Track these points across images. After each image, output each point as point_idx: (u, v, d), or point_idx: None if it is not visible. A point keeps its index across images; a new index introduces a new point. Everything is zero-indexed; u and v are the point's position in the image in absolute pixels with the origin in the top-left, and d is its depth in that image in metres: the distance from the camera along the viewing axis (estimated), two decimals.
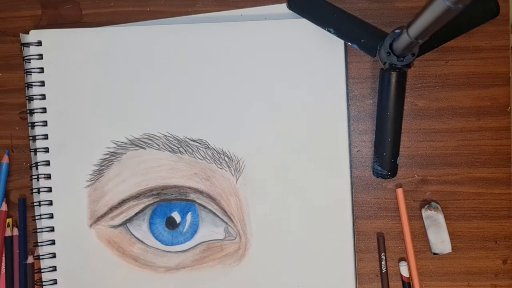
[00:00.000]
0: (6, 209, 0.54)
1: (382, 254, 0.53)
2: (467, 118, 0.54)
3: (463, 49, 0.53)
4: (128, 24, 0.54)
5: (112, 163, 0.53)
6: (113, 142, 0.53)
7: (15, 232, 0.54)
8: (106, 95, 0.53)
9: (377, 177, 0.52)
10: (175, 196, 0.53)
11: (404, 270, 0.53)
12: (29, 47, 0.53)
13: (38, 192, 0.53)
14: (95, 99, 0.53)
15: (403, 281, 0.53)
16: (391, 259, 0.54)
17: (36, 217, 0.53)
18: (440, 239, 0.52)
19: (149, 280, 0.53)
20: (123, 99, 0.53)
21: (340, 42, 0.52)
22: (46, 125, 0.53)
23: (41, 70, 0.53)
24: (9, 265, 0.53)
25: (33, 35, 0.53)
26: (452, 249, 0.53)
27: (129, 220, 0.53)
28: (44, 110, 0.53)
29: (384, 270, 0.53)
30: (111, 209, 0.53)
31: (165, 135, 0.53)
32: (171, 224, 0.53)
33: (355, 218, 0.54)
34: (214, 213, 0.53)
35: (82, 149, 0.53)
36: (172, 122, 0.53)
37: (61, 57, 0.53)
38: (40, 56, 0.53)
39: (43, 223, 0.53)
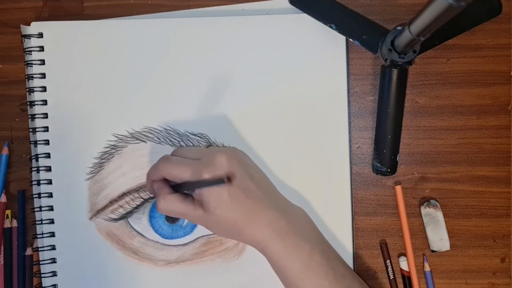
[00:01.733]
0: (5, 201, 0.54)
1: (387, 261, 0.53)
2: (468, 116, 0.54)
3: (464, 47, 0.53)
4: (130, 17, 0.54)
5: (113, 156, 0.53)
6: (113, 135, 0.53)
7: (14, 223, 0.54)
8: (107, 88, 0.53)
9: (377, 174, 0.52)
10: None
11: (404, 265, 0.53)
12: (30, 38, 0.53)
13: (38, 184, 0.53)
14: (96, 92, 0.53)
15: (403, 275, 0.53)
16: (390, 256, 0.54)
17: (36, 209, 0.53)
18: (438, 237, 0.53)
19: (148, 273, 0.53)
20: (124, 92, 0.53)
21: (342, 38, 0.52)
22: (46, 117, 0.53)
23: (42, 62, 0.53)
24: (8, 256, 0.53)
25: (34, 27, 0.53)
26: (451, 247, 0.53)
27: (129, 213, 0.53)
28: (44, 102, 0.53)
29: (392, 277, 0.53)
30: (111, 202, 0.53)
31: (166, 129, 0.53)
32: (171, 217, 0.53)
33: (354, 214, 0.54)
34: None
35: (82, 142, 0.53)
36: (173, 116, 0.53)
37: (62, 50, 0.53)
38: (41, 48, 0.53)
39: (43, 215, 0.53)
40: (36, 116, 0.53)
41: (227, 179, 0.40)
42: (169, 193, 0.46)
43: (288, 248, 0.45)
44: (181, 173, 0.45)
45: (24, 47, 0.53)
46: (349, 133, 0.53)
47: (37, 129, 0.53)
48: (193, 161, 0.46)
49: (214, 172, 0.44)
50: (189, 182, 0.45)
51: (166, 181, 0.47)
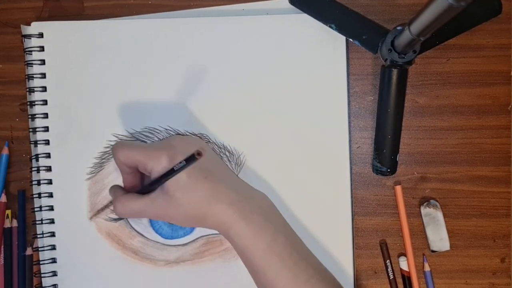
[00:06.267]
0: (6, 201, 0.54)
1: (387, 261, 0.53)
2: (468, 116, 0.54)
3: (464, 47, 0.53)
4: (129, 17, 0.54)
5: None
6: (114, 135, 0.53)
7: (14, 223, 0.54)
8: (107, 88, 0.53)
9: (377, 174, 0.52)
10: None
11: (404, 265, 0.53)
12: (30, 38, 0.53)
13: (38, 184, 0.53)
14: (96, 92, 0.53)
15: (402, 275, 0.53)
16: (390, 255, 0.54)
17: (36, 209, 0.53)
18: (438, 237, 0.53)
19: (149, 273, 0.53)
20: (125, 92, 0.53)
21: (342, 38, 0.52)
22: (47, 117, 0.53)
23: (43, 62, 0.53)
24: (8, 256, 0.53)
25: (34, 27, 0.53)
26: (451, 247, 0.53)
27: None
28: (45, 102, 0.53)
29: (392, 277, 0.53)
30: (111, 202, 0.53)
31: (166, 129, 0.53)
32: None
33: (354, 214, 0.54)
34: None
35: (83, 142, 0.53)
36: (173, 116, 0.53)
37: (63, 49, 0.53)
38: (42, 48, 0.53)
39: (43, 215, 0.53)
40: (36, 116, 0.53)
41: (197, 154, 0.38)
42: (123, 194, 0.47)
43: (252, 228, 0.45)
44: (135, 155, 0.45)
45: (24, 47, 0.53)
46: (349, 133, 0.53)
47: (37, 129, 0.53)
48: (146, 144, 0.47)
49: (171, 152, 0.44)
50: (160, 175, 0.44)
51: (119, 186, 0.50)
